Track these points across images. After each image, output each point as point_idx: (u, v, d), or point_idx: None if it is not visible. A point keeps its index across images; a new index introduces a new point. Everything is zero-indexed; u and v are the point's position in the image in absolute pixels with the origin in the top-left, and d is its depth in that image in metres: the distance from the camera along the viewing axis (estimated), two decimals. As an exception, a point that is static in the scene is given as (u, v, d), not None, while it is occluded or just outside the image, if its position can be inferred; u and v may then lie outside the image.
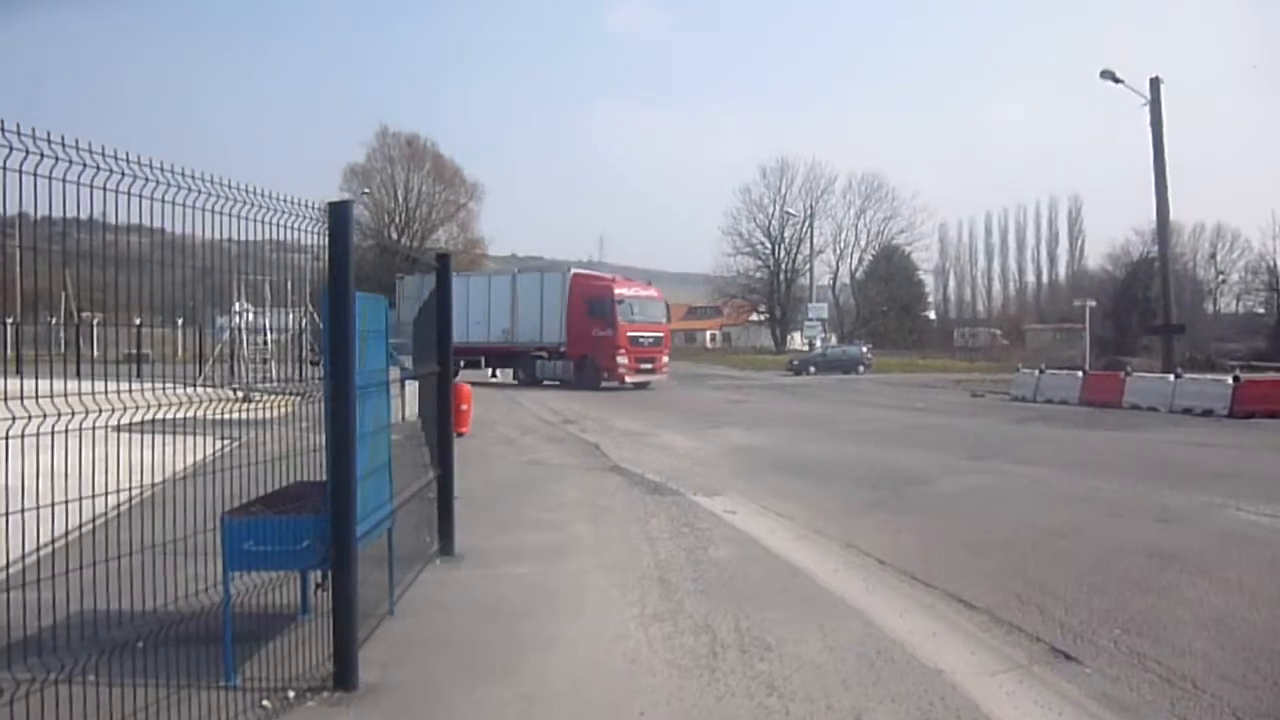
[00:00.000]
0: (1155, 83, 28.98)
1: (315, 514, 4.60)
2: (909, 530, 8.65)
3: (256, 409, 6.29)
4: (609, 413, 22.11)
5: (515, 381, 34.15)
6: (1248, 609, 6.12)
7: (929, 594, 6.54)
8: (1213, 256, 68.06)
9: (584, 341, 32.55)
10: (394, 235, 67.38)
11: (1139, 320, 49.52)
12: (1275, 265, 65.19)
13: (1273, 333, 56.91)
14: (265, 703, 4.32)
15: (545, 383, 33.24)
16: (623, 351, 31.99)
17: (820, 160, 76.04)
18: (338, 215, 4.47)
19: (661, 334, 34.39)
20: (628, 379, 32.19)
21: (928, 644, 5.41)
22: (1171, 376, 23.91)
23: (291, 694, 4.43)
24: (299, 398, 5.80)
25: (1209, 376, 23.99)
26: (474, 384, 28.04)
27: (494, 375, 35.11)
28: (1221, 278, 68.37)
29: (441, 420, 7.26)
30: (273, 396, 5.88)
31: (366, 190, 66.52)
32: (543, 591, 6.44)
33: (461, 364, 35.62)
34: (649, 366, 33.08)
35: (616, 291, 32.83)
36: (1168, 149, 28.77)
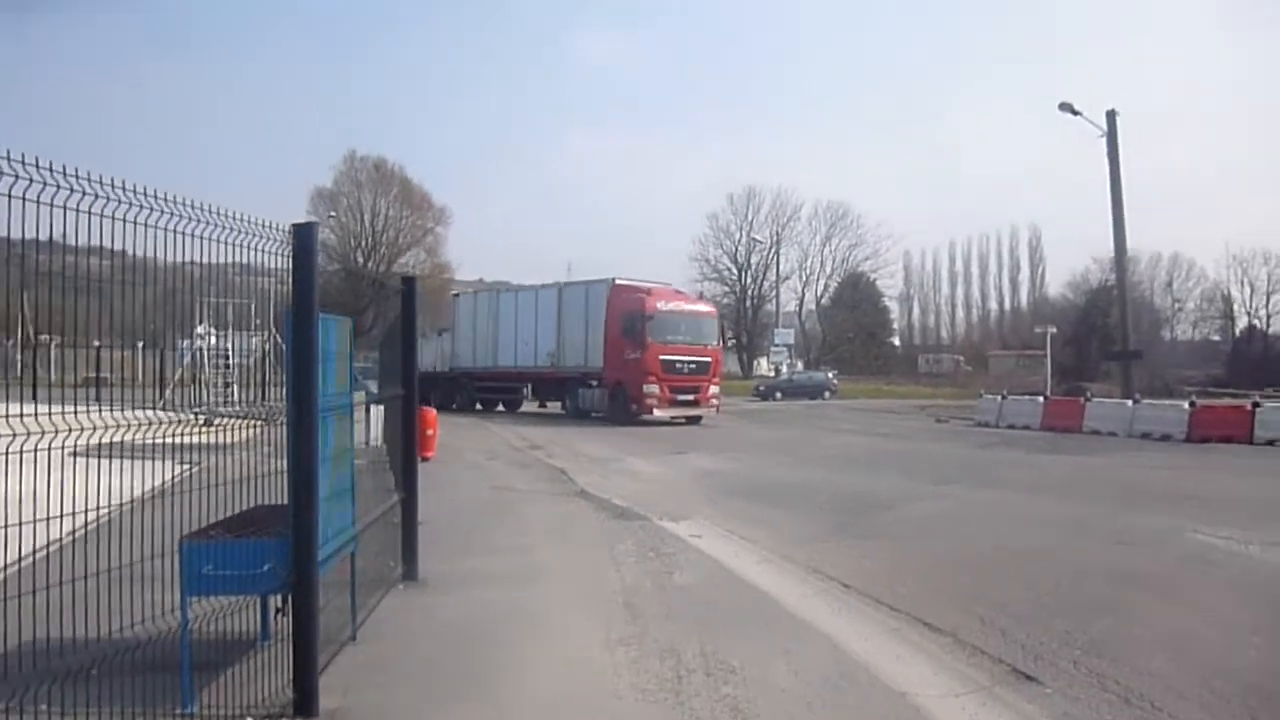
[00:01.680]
0: (1111, 115, 29.68)
1: (276, 537, 4.54)
2: (874, 555, 8.69)
3: (217, 433, 6.21)
4: (576, 439, 22.06)
5: (563, 412, 29.95)
6: (1205, 630, 6.21)
7: (894, 617, 6.57)
8: (1169, 285, 69.60)
9: (617, 366, 27.26)
10: (361, 259, 67.04)
11: (1098, 346, 50.36)
12: (1229, 294, 66.81)
13: (1228, 360, 58.16)
14: (223, 730, 4.24)
15: (593, 415, 28.32)
16: (652, 379, 26.40)
17: (787, 187, 76.61)
18: (302, 237, 4.45)
19: (709, 358, 27.95)
20: (657, 412, 26.55)
21: (892, 667, 5.44)
22: (1130, 402, 24.31)
23: (250, 721, 4.36)
24: (261, 422, 5.73)
25: (1166, 402, 24.46)
26: (524, 414, 28.85)
27: (543, 406, 31.62)
28: (1178, 306, 69.93)
29: (406, 444, 7.21)
30: (234, 421, 5.80)
31: (333, 214, 66.18)
32: (508, 616, 6.38)
33: (476, 401, 32.57)
34: (689, 398, 27.16)
35: (650, 305, 26.99)
36: (1125, 179, 29.46)
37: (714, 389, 28.23)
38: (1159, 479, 14.35)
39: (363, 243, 69.50)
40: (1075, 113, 29.51)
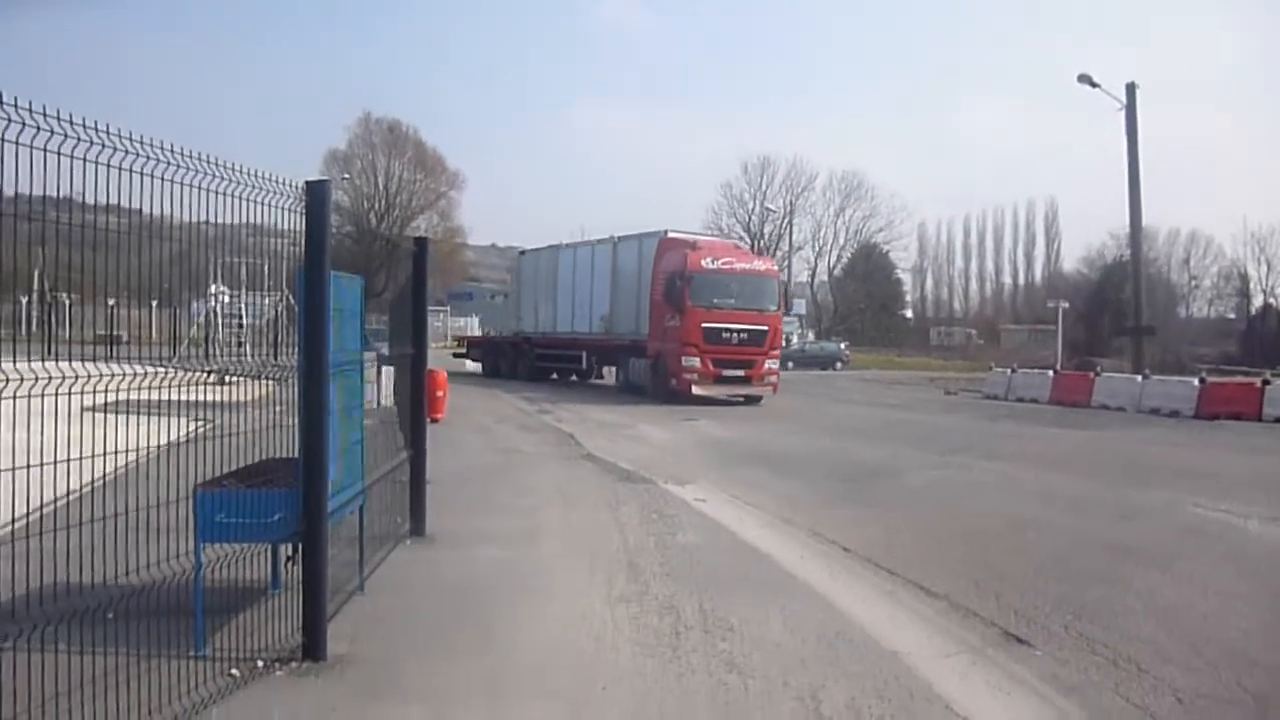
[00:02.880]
0: (1131, 88, 29.36)
1: (287, 488, 4.67)
2: (875, 521, 8.80)
3: (230, 390, 6.32)
4: (584, 404, 22.20)
5: (616, 384, 26.70)
6: (1198, 599, 6.31)
7: (890, 581, 6.68)
8: (1186, 262, 68.98)
9: (659, 334, 23.31)
10: (373, 221, 67.00)
11: (1111, 322, 50.10)
12: (1246, 272, 66.21)
13: (1242, 337, 57.78)
14: (234, 671, 4.39)
15: (644, 390, 24.30)
16: (691, 350, 22.09)
17: (801, 157, 76.09)
18: (315, 194, 4.53)
19: (764, 326, 22.90)
20: (698, 390, 22.18)
21: (886, 627, 5.56)
22: (1139, 378, 24.28)
23: (260, 664, 4.50)
24: (274, 381, 5.85)
25: (1176, 378, 24.39)
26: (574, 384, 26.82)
27: (599, 376, 28.13)
28: (1194, 283, 69.34)
29: (415, 402, 7.32)
30: (246, 379, 5.91)
31: (347, 175, 66.12)
32: (512, 573, 6.54)
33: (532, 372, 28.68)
34: (738, 373, 22.55)
35: (692, 262, 22.43)
36: (1143, 154, 29.21)
37: (771, 363, 23.34)
38: (1163, 454, 14.39)
39: (376, 205, 69.46)
40: (1094, 85, 29.22)
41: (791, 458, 13.37)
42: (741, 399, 23.46)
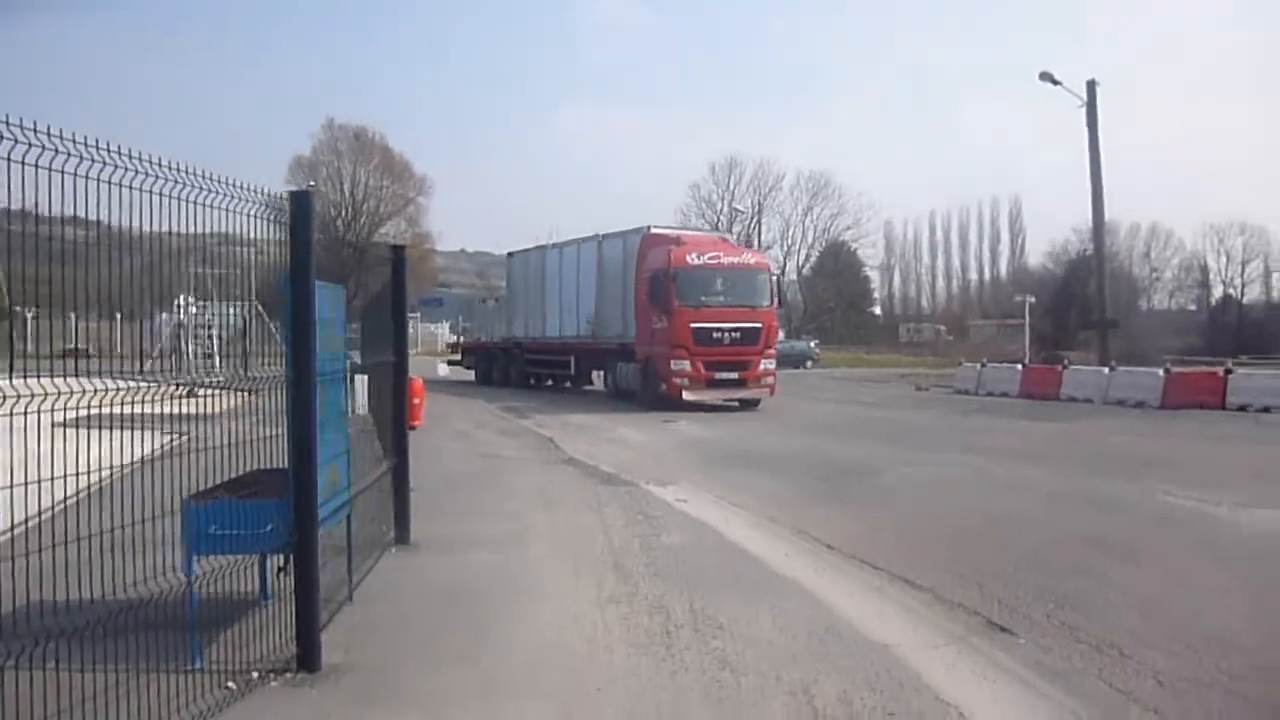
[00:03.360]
0: (1091, 85, 29.82)
1: (279, 498, 4.67)
2: (856, 518, 8.90)
3: (201, 403, 6.25)
4: (560, 407, 22.22)
5: (606, 390, 25.28)
6: (1173, 586, 6.45)
7: (876, 576, 6.77)
8: (1147, 255, 70.13)
9: (646, 337, 21.92)
10: (341, 229, 66.52)
11: (1077, 316, 50.79)
12: (1206, 264, 67.50)
13: (1204, 329, 58.85)
14: (230, 684, 4.38)
15: (622, 395, 23.41)
16: (681, 353, 20.68)
17: (769, 158, 76.45)
18: (300, 205, 4.54)
19: (758, 324, 21.44)
20: (689, 395, 20.70)
21: (874, 621, 5.64)
22: (1106, 370, 24.67)
23: (255, 675, 4.50)
24: (246, 392, 5.80)
25: (1142, 369, 24.79)
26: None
27: (589, 383, 26.97)
28: (1156, 275, 70.54)
29: (397, 409, 7.33)
30: (218, 391, 5.84)
31: (313, 183, 65.57)
32: (500, 577, 6.56)
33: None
34: (731, 376, 21.12)
35: (676, 258, 21.11)
36: (1105, 150, 29.67)
37: (766, 363, 21.68)
38: (1132, 444, 14.66)
39: (343, 212, 68.92)
40: (1056, 83, 29.64)
41: (770, 457, 13.47)
42: (736, 403, 21.84)
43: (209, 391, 5.43)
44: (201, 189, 4.14)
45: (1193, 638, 5.26)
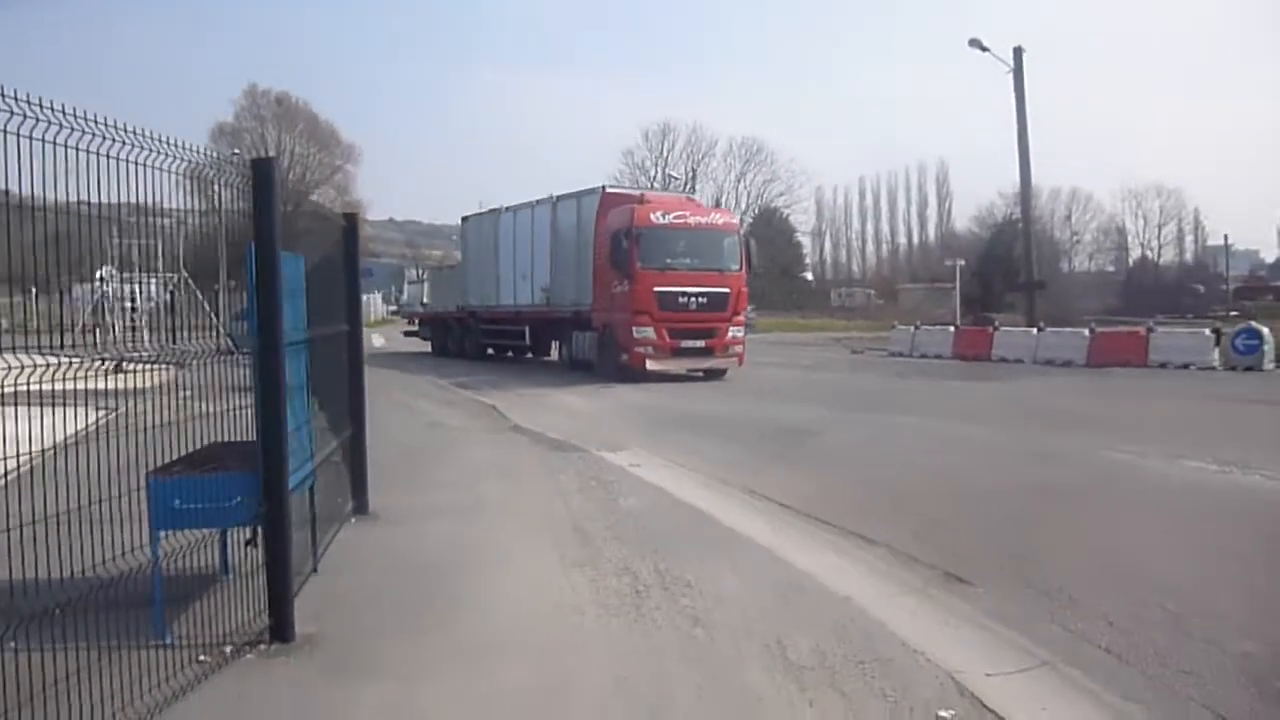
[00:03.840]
0: (1018, 52, 30.37)
1: (246, 470, 4.61)
2: (807, 477, 9.08)
3: (129, 379, 6.05)
4: (499, 376, 22.09)
5: (559, 360, 23.98)
6: (1117, 534, 6.76)
7: (830, 532, 6.94)
8: (1068, 218, 72.14)
9: (605, 303, 20.61)
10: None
11: (1003, 278, 52.12)
12: (1124, 227, 69.74)
13: (1122, 290, 60.89)
14: (202, 657, 4.33)
15: (590, 366, 21.53)
16: (644, 319, 19.39)
17: (702, 124, 76.50)
18: (262, 172, 4.45)
19: (725, 289, 20.21)
20: (652, 365, 19.43)
21: (834, 576, 5.79)
22: (1035, 330, 25.42)
23: (228, 649, 4.45)
24: (176, 366, 5.63)
25: (1069, 330, 25.60)
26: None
27: (548, 354, 25.30)
28: (1076, 238, 72.64)
29: (353, 379, 7.25)
30: (146, 366, 5.64)
31: (236, 150, 63.65)
32: (463, 546, 6.56)
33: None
34: (698, 344, 19.88)
35: (639, 217, 19.65)
36: (1030, 115, 30.31)
37: (735, 331, 20.48)
38: (1066, 402, 15.18)
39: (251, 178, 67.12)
40: (984, 49, 30.14)
41: (716, 420, 13.63)
42: (701, 374, 20.61)
43: (138, 366, 5.26)
44: (146, 149, 3.82)
45: (1136, 581, 5.53)
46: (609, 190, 22.17)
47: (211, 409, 4.92)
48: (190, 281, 12.67)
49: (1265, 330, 20.42)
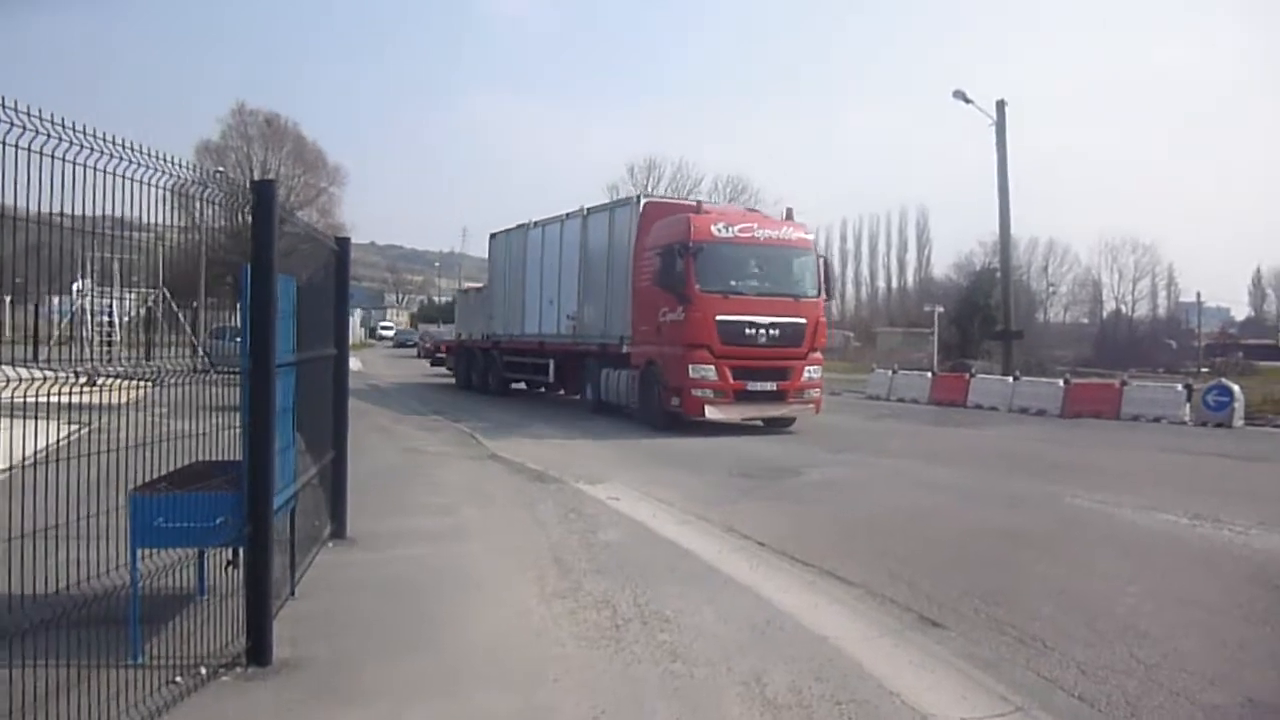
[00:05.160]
0: (1001, 105, 30.93)
1: (231, 490, 4.61)
2: (783, 515, 9.14)
3: (102, 394, 5.98)
4: (478, 403, 22.06)
5: (577, 398, 21.05)
6: (1087, 581, 6.82)
7: (808, 572, 6.98)
8: (1045, 269, 73.26)
9: (649, 333, 17.11)
10: (249, 218, 64.50)
11: (980, 325, 52.59)
12: (1100, 279, 70.84)
13: (1096, 341, 61.62)
14: (178, 679, 4.31)
15: (623, 411, 18.29)
16: (703, 354, 15.92)
17: (688, 160, 77.21)
18: (262, 193, 4.50)
19: (802, 319, 16.76)
20: (713, 412, 16.00)
21: (811, 615, 5.83)
22: (1010, 379, 25.68)
23: (204, 670, 4.42)
24: (151, 383, 5.61)
25: (1043, 380, 25.88)
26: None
27: (575, 393, 21.67)
28: (1052, 289, 73.72)
29: (337, 402, 7.26)
30: (121, 380, 5.58)
31: (220, 169, 63.53)
32: (442, 572, 6.56)
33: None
34: (768, 387, 16.36)
35: (699, 229, 16.29)
36: (1011, 167, 30.83)
37: (811, 371, 16.91)
38: (1039, 450, 15.33)
39: (251, 199, 66.97)
40: (968, 101, 30.68)
41: (693, 456, 13.65)
42: (763, 422, 16.98)
43: (113, 381, 5.20)
44: (128, 161, 3.77)
45: (1107, 628, 5.60)
46: (652, 199, 18.89)
47: (187, 427, 4.90)
48: (169, 297, 12.66)
49: (1236, 388, 20.72)
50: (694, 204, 18.44)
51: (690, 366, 15.99)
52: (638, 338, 17.54)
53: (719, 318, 16.06)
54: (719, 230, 16.52)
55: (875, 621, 5.76)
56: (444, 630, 5.30)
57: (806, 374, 16.85)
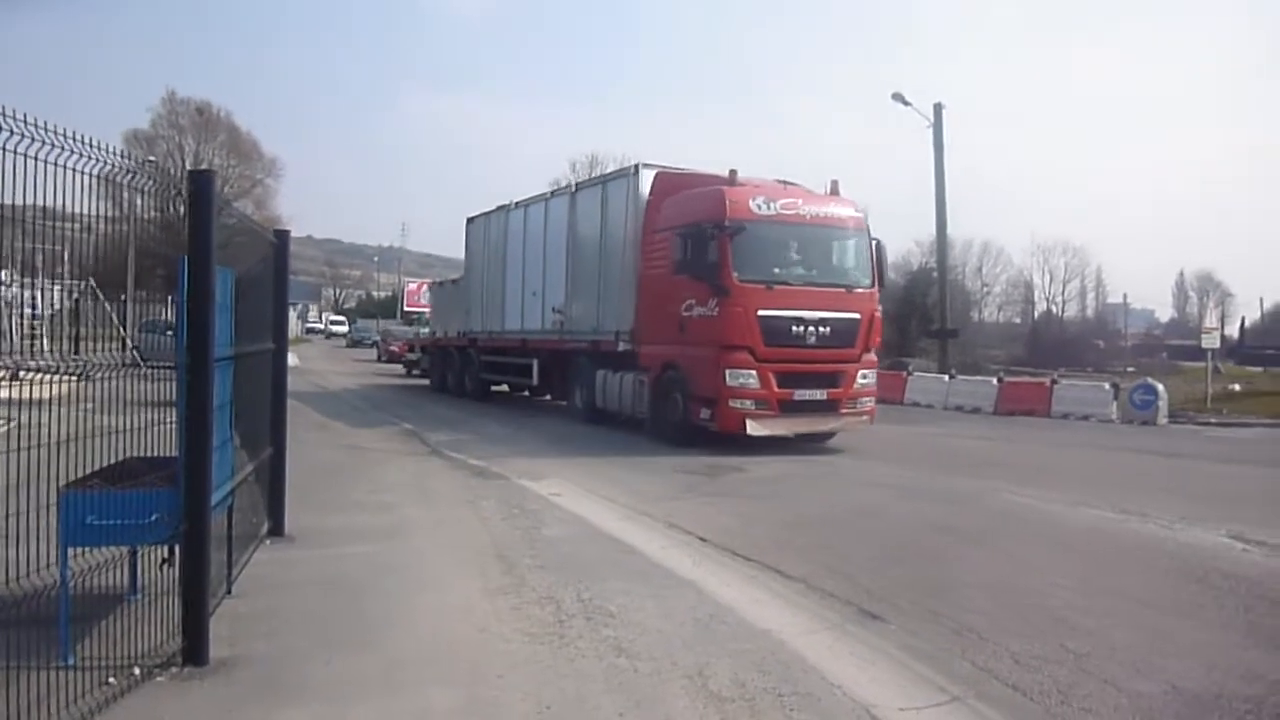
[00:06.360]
0: (938, 108, 31.54)
1: (167, 486, 4.50)
2: (725, 511, 9.20)
3: (25, 387, 5.79)
4: (420, 399, 21.83)
5: (576, 407, 17.78)
6: (1020, 574, 7.00)
7: (749, 567, 7.05)
8: (979, 270, 74.79)
9: (666, 330, 14.41)
10: (180, 208, 62.92)
11: (917, 325, 53.57)
12: (1032, 280, 72.68)
13: (1027, 341, 63.15)
14: (111, 680, 4.20)
15: (621, 420, 15.99)
16: (743, 357, 13.31)
17: (629, 156, 77.08)
18: (200, 184, 4.40)
19: (854, 314, 14.08)
20: (754, 427, 13.27)
21: (753, 609, 5.89)
22: (946, 377, 26.21)
23: (137, 671, 4.32)
24: (78, 378, 5.46)
25: (978, 378, 26.49)
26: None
27: (560, 396, 19.55)
28: (986, 289, 75.30)
29: (276, 398, 7.13)
30: (47, 375, 5.43)
31: (151, 158, 61.84)
32: (384, 569, 6.49)
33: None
34: (817, 395, 13.80)
35: (737, 204, 13.59)
36: (948, 169, 31.44)
37: (864, 377, 14.28)
38: (974, 447, 15.70)
39: (184, 191, 65.26)
40: (906, 103, 31.20)
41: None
42: (809, 435, 14.20)
43: (33, 375, 5.04)
44: (53, 146, 3.60)
45: (1040, 620, 5.77)
46: (662, 170, 15.62)
47: (118, 423, 4.78)
48: (97, 289, 12.31)
49: (1160, 387, 21.45)
50: (717, 176, 14.64)
51: (727, 372, 13.27)
52: (648, 335, 14.99)
53: (761, 313, 13.36)
54: (759, 206, 13.71)
55: (816, 615, 5.84)
56: (387, 628, 5.24)
57: (860, 380, 14.23)
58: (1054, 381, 24.13)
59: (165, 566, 4.81)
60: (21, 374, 5.16)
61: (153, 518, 4.49)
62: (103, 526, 4.44)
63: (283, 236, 7.18)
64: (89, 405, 4.98)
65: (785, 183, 15.00)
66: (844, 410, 14.13)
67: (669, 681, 4.54)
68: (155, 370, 5.07)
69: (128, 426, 4.75)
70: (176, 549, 4.63)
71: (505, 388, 22.54)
